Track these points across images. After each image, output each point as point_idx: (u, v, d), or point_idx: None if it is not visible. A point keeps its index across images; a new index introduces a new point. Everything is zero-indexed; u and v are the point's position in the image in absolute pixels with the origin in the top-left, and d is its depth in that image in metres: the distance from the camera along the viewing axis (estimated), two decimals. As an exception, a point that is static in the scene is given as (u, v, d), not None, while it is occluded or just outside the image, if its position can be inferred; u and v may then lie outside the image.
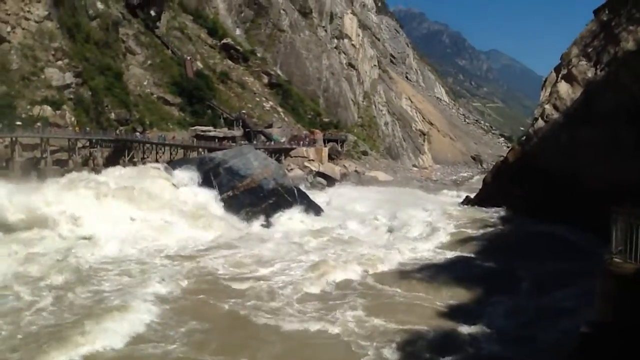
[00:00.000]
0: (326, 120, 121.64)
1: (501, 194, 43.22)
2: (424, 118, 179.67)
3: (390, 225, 40.80)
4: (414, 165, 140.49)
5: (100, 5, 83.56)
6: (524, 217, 35.88)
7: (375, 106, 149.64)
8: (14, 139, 55.95)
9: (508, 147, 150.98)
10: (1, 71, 61.56)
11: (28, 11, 68.12)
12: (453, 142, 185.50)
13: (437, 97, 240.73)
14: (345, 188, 77.49)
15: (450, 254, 30.48)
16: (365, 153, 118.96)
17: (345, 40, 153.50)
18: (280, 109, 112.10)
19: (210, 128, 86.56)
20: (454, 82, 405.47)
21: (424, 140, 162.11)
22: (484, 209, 42.17)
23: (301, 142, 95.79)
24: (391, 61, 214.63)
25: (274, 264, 28.96)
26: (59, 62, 68.03)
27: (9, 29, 65.29)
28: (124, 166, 59.75)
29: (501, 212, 39.39)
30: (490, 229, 35.00)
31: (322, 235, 38.65)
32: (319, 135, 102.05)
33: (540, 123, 43.01)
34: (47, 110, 62.73)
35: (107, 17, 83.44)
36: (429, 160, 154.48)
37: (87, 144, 64.71)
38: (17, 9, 66.99)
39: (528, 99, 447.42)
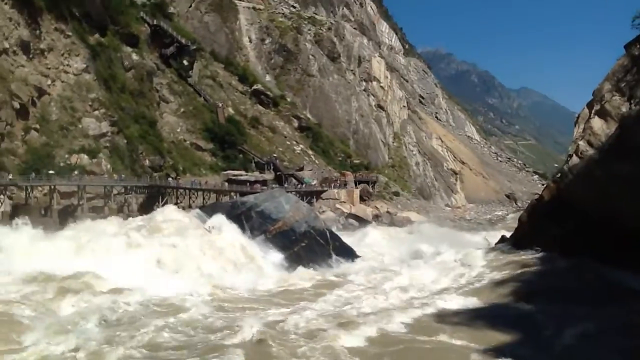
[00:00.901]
0: (357, 161, 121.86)
1: (537, 233, 42.06)
2: (455, 157, 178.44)
3: (426, 266, 40.04)
4: (447, 205, 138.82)
5: (135, 57, 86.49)
6: (562, 257, 34.73)
7: (406, 147, 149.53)
8: (52, 187, 57.45)
9: (542, 184, 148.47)
10: (41, 122, 63.74)
11: (67, 65, 71.06)
12: (486, 181, 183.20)
13: (468, 136, 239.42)
14: (378, 229, 76.75)
15: (486, 298, 29.55)
16: (396, 194, 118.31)
17: (374, 83, 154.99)
18: (310, 152, 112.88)
19: (242, 172, 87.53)
20: (485, 121, 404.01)
21: (456, 180, 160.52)
22: (520, 251, 41.08)
23: (332, 184, 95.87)
24: (420, 102, 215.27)
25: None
26: (96, 112, 70.27)
27: (49, 82, 67.99)
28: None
29: (538, 252, 38.29)
30: (528, 270, 33.93)
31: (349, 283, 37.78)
32: (349, 177, 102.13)
33: (575, 160, 42.08)
34: (84, 158, 64.44)
35: (141, 67, 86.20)
36: (462, 200, 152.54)
37: (122, 190, 65.97)
38: (57, 62, 69.95)
39: (561, 135, 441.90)
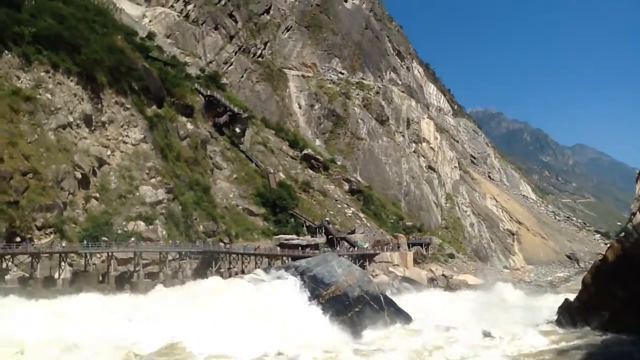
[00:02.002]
0: (409, 223, 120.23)
1: (603, 297, 39.74)
2: (511, 217, 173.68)
3: (487, 339, 38.24)
4: (505, 267, 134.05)
5: (190, 126, 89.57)
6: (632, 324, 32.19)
7: (459, 207, 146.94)
8: (110, 254, 58.72)
9: (605, 244, 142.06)
10: (101, 191, 66.08)
11: (126, 135, 74.24)
12: (545, 241, 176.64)
13: (523, 195, 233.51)
14: (433, 293, 74.40)
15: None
16: (451, 256, 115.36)
17: (424, 144, 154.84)
18: (362, 215, 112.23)
19: (294, 236, 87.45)
20: (540, 179, 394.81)
21: (513, 240, 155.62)
22: (586, 326, 38.61)
23: (385, 247, 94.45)
24: (472, 162, 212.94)
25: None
26: (152, 180, 72.47)
27: (109, 152, 70.98)
28: (212, 277, 60.90)
29: (606, 319, 35.76)
30: (596, 343, 31.61)
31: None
32: (402, 239, 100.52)
33: (639, 217, 40.07)
34: (141, 225, 65.96)
35: (196, 136, 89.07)
36: (521, 261, 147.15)
37: (177, 256, 66.78)
38: (117, 134, 73.18)
39: (621, 192, 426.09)
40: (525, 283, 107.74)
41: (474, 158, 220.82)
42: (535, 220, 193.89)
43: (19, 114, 61.45)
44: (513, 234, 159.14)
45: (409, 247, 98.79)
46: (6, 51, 64.48)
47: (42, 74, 66.85)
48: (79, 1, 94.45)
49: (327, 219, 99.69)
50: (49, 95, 66.02)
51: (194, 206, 76.63)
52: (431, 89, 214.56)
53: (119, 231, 63.51)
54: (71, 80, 69.76)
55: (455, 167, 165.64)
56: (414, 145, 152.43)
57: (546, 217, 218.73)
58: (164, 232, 67.91)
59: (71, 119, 67.33)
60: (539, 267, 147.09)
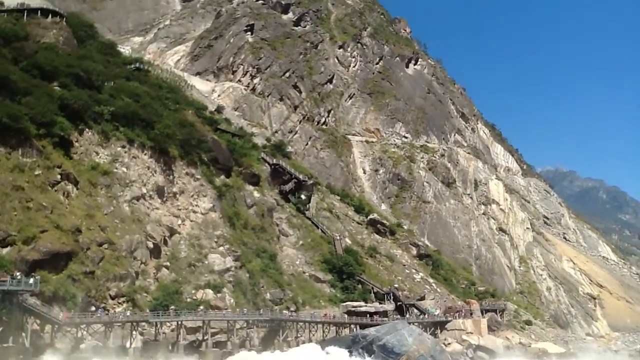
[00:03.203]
0: (481, 289, 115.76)
1: None
2: (591, 280, 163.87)
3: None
4: (588, 334, 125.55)
5: (256, 194, 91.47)
6: None
7: (534, 271, 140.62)
8: (179, 323, 59.34)
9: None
10: (171, 260, 67.74)
11: (196, 205, 76.67)
12: (630, 305, 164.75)
13: (603, 257, 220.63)
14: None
15: None
16: (528, 322, 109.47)
17: (493, 206, 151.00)
18: (431, 280, 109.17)
19: (362, 303, 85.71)
20: (620, 239, 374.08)
21: (595, 305, 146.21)
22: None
23: (457, 314, 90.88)
24: (545, 223, 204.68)
25: None
26: (221, 248, 73.81)
27: (179, 222, 73.23)
28: (280, 348, 60.20)
29: None
30: None
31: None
32: (475, 305, 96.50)
33: None
34: (209, 294, 66.68)
35: (262, 204, 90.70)
36: (605, 328, 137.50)
37: (245, 324, 66.63)
38: (187, 204, 75.71)
39: None
40: (612, 351, 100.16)
41: (547, 219, 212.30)
42: (617, 283, 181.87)
43: (97, 187, 64.93)
44: (594, 298, 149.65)
45: (482, 314, 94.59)
46: (87, 129, 69.08)
47: (119, 149, 70.84)
48: (153, 80, 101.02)
49: (396, 285, 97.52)
50: (124, 169, 69.58)
51: (261, 273, 77.02)
52: (498, 149, 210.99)
53: (188, 299, 64.36)
54: (145, 154, 73.49)
55: (527, 228, 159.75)
56: (483, 207, 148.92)
57: (630, 280, 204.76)
58: (232, 300, 68.30)
59: (144, 191, 70.36)
60: (626, 334, 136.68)
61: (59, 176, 60.48)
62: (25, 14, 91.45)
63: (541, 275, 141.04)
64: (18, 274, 44.99)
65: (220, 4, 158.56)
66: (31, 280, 44.76)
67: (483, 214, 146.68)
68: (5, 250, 49.98)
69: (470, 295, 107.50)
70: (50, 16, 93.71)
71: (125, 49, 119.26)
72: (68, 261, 53.45)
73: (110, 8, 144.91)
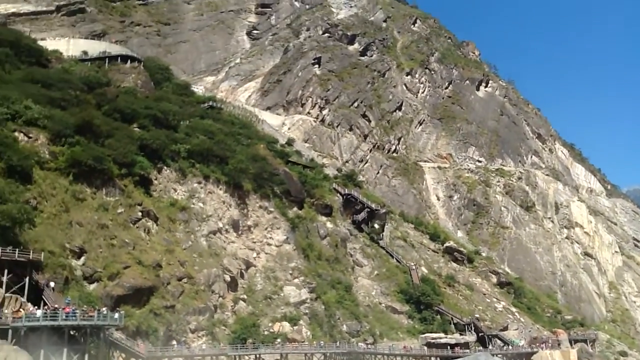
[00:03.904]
0: (568, 317, 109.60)
1: None
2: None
3: None
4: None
5: (329, 225, 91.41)
6: None
7: (626, 297, 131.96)
8: (257, 356, 59.52)
9: None
10: (248, 293, 68.48)
11: (270, 237, 77.62)
12: None
13: None
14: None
15: None
16: (623, 354, 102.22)
17: (577, 229, 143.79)
18: (514, 309, 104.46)
19: (441, 335, 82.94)
20: None
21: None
22: None
23: (543, 345, 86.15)
24: (635, 245, 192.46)
25: None
26: (296, 280, 73.98)
27: (255, 255, 74.22)
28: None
29: None
30: None
31: None
32: (562, 335, 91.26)
33: None
34: (286, 326, 66.67)
35: (336, 235, 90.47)
36: None
37: (322, 357, 65.91)
38: (261, 236, 76.80)
39: None
40: None
41: (638, 241, 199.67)
42: None
43: (176, 223, 67.03)
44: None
45: (570, 344, 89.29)
46: (165, 167, 71.84)
47: (195, 185, 73.13)
48: (226, 117, 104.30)
49: (476, 315, 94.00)
50: (201, 204, 71.61)
51: (336, 305, 76.34)
52: (579, 170, 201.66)
53: (265, 332, 64.61)
54: (220, 189, 75.52)
55: (615, 252, 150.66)
56: (565, 231, 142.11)
57: None
58: (308, 333, 67.90)
59: (220, 225, 72.02)
60: None
61: (140, 213, 62.90)
62: (107, 61, 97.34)
63: (634, 302, 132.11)
64: (104, 309, 46.64)
65: (288, 39, 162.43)
66: (116, 315, 46.28)
67: (566, 238, 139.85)
68: (92, 286, 52.16)
69: (557, 325, 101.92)
70: (129, 62, 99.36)
71: (198, 89, 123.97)
72: (150, 296, 55.06)
73: (183, 50, 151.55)
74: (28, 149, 58.48)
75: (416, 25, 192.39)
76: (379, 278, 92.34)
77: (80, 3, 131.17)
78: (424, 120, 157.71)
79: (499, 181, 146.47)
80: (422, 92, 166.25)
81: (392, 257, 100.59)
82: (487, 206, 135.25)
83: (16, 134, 60.04)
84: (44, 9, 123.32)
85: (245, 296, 67.72)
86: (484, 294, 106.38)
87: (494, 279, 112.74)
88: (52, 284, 47.08)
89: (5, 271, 44.28)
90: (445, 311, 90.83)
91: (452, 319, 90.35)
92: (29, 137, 61.09)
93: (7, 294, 43.83)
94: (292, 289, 72.34)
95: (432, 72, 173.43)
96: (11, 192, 48.87)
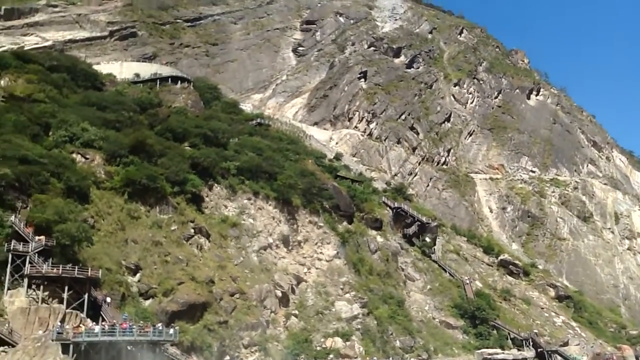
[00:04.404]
0: (634, 332, 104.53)
1: None
2: None
3: None
4: None
5: (380, 239, 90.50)
6: None
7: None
8: (310, 372, 59.01)
9: None
10: (300, 308, 68.23)
11: (320, 252, 77.36)
12: None
13: None
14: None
15: None
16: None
17: (639, 240, 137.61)
18: (574, 324, 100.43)
19: (498, 350, 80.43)
20: None
21: None
22: None
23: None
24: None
25: None
26: (347, 295, 73.30)
27: (305, 270, 74.09)
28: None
29: None
30: None
31: None
32: (628, 351, 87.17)
33: None
34: (338, 342, 65.95)
35: (386, 249, 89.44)
36: None
37: (375, 374, 64.87)
38: (311, 251, 76.65)
39: None
40: None
41: None
42: None
43: (227, 239, 67.78)
44: None
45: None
46: (216, 184, 72.95)
47: (245, 201, 73.90)
48: (274, 133, 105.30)
49: (534, 330, 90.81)
50: (251, 220, 72.22)
51: (389, 320, 75.16)
52: (639, 178, 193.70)
53: (318, 348, 64.05)
54: (270, 205, 76.02)
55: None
56: (627, 241, 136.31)
57: None
58: (361, 349, 66.97)
59: (271, 241, 72.35)
60: None
61: (192, 230, 63.97)
62: (158, 83, 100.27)
63: None
64: (159, 324, 47.39)
65: (333, 55, 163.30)
66: (171, 331, 46.95)
67: (628, 249, 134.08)
68: (147, 302, 53.17)
69: (621, 340, 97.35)
70: (179, 82, 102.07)
71: (246, 107, 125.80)
72: (203, 311, 55.63)
73: (231, 69, 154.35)
74: (85, 170, 60.66)
75: (463, 35, 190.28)
76: (432, 292, 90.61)
77: (132, 27, 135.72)
78: (473, 131, 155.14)
79: (554, 191, 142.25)
80: (471, 103, 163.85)
81: (445, 271, 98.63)
82: (542, 217, 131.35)
83: (74, 155, 62.54)
84: (98, 34, 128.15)
85: (297, 311, 67.51)
86: (542, 308, 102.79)
87: (552, 293, 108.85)
88: (108, 299, 48.34)
89: (66, 288, 45.79)
90: (501, 326, 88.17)
91: (509, 334, 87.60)
92: (86, 158, 63.35)
93: (67, 310, 45.24)
94: (344, 304, 71.69)
95: (481, 82, 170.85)
96: (70, 212, 50.61)
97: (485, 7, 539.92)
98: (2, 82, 76.17)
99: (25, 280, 45.13)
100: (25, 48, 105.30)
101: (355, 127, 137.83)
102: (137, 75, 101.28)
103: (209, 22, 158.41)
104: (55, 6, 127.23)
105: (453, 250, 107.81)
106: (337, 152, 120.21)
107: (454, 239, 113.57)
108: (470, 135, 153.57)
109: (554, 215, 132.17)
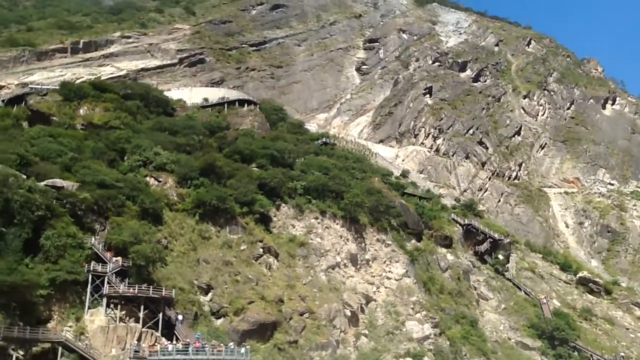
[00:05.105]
0: None
1: None
2: None
3: None
4: None
5: (450, 257, 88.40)
6: None
7: None
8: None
9: None
10: (369, 328, 67.31)
11: (389, 271, 76.30)
12: None
13: None
14: None
15: None
16: None
17: None
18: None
19: (581, 373, 76.42)
20: None
21: None
22: None
23: None
24: None
25: None
26: (418, 315, 71.74)
27: (374, 289, 73.23)
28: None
29: None
30: None
31: None
32: None
33: None
34: (410, 363, 64.54)
35: (457, 267, 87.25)
36: None
37: (449, 397, 62.91)
38: (380, 270, 75.75)
39: None
40: None
41: None
42: None
43: (295, 258, 68.13)
44: None
45: None
46: (283, 204, 73.67)
47: (313, 220, 74.15)
48: (340, 152, 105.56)
49: (620, 353, 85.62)
50: (319, 239, 72.31)
51: (462, 341, 72.93)
52: None
53: (390, 369, 62.89)
54: (337, 224, 75.93)
55: None
56: None
57: None
58: (435, 371, 65.25)
59: (339, 259, 72.08)
60: None
61: (261, 250, 64.80)
62: (226, 106, 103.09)
63: None
64: (231, 343, 47.96)
65: (397, 72, 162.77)
66: (243, 350, 47.41)
67: None
68: (219, 322, 54.01)
69: None
70: (245, 105, 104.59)
71: (311, 126, 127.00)
72: (273, 331, 55.92)
73: (296, 90, 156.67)
74: (158, 192, 62.89)
75: (531, 46, 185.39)
76: (506, 312, 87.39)
77: (200, 54, 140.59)
78: (545, 143, 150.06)
79: (635, 205, 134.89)
80: (542, 115, 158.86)
81: (520, 289, 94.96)
82: (623, 232, 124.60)
83: (148, 178, 65.10)
84: (168, 62, 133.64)
85: (366, 331, 66.63)
86: (627, 329, 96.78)
87: (638, 312, 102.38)
88: (180, 317, 49.46)
89: (142, 307, 47.26)
90: (583, 347, 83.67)
91: (591, 356, 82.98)
92: (159, 181, 65.73)
93: (143, 329, 46.59)
94: (415, 324, 70.18)
95: (552, 93, 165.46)
96: (145, 233, 52.43)
97: (553, 17, 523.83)
98: (81, 111, 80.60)
99: (104, 299, 46.94)
100: (102, 78, 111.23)
101: (422, 143, 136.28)
102: (206, 99, 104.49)
103: (273, 45, 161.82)
104: (129, 37, 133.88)
105: (528, 268, 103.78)
106: (403, 169, 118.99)
107: (528, 256, 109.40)
108: (542, 148, 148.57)
109: (637, 230, 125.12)
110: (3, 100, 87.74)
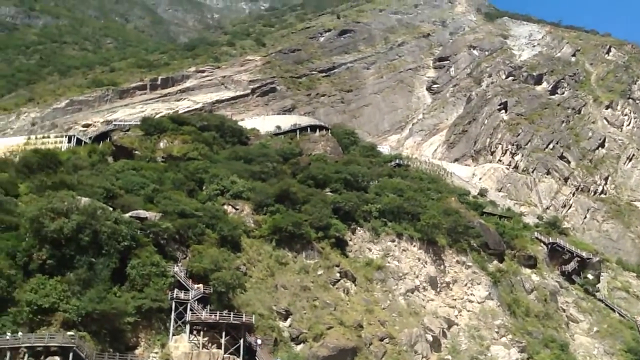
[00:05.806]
0: None
1: None
2: None
3: None
4: None
5: (535, 278, 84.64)
6: None
7: None
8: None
9: None
10: (452, 353, 65.13)
11: (471, 294, 73.90)
12: None
13: None
14: None
15: None
16: None
17: None
18: None
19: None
20: None
21: None
22: None
23: None
24: None
25: None
26: (503, 339, 68.89)
27: (456, 312, 70.99)
28: None
29: None
30: None
31: None
32: None
33: None
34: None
35: (543, 288, 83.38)
36: None
37: None
38: (461, 293, 73.47)
39: None
40: None
41: None
42: None
43: (373, 282, 67.29)
44: None
45: None
46: (358, 228, 73.22)
47: (389, 243, 73.16)
48: (414, 173, 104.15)
49: None
50: (396, 263, 71.18)
51: (554, 366, 69.20)
52: None
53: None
54: (414, 246, 74.53)
55: None
56: None
57: None
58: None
59: (417, 283, 70.60)
60: None
61: (338, 274, 64.49)
62: (298, 133, 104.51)
63: None
64: (311, 370, 47.66)
65: (469, 89, 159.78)
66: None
67: None
68: (299, 347, 53.93)
69: None
70: (317, 131, 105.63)
71: (384, 149, 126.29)
72: (354, 356, 55.28)
73: (367, 113, 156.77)
74: (236, 220, 64.24)
75: (611, 53, 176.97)
76: (599, 335, 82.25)
77: (271, 83, 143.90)
78: (633, 155, 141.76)
79: None
80: (628, 125, 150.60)
81: (614, 310, 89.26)
82: None
83: (225, 207, 66.75)
84: (241, 93, 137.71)
85: (449, 357, 64.54)
86: None
87: None
88: (259, 341, 49.73)
89: (223, 333, 47.95)
90: (689, 373, 77.24)
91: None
92: (236, 209, 67.22)
93: (225, 355, 47.17)
94: (500, 348, 67.40)
95: (637, 102, 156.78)
96: (224, 260, 53.53)
97: (635, 23, 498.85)
98: (161, 144, 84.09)
99: (187, 326, 47.99)
100: (179, 112, 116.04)
101: (499, 160, 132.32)
102: (278, 127, 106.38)
103: (342, 70, 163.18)
104: (203, 71, 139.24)
105: (621, 288, 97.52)
106: (481, 188, 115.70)
107: (621, 275, 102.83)
108: (630, 160, 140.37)
109: None
110: (90, 138, 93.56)
